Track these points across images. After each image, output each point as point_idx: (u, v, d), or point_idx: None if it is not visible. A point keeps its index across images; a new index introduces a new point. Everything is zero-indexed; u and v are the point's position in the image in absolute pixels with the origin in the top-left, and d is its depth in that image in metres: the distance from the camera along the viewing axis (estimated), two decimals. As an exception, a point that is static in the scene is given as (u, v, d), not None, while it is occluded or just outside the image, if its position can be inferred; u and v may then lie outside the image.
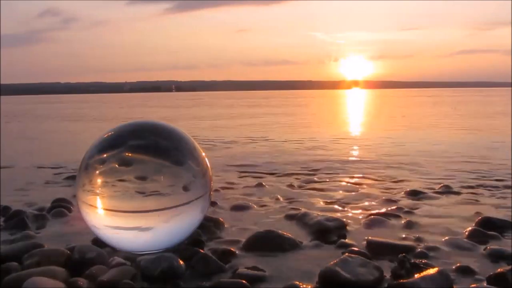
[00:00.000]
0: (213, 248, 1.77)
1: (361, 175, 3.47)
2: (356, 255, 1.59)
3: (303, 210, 2.34)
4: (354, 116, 13.17)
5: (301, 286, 1.43)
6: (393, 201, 2.59)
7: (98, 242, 1.75)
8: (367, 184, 3.13)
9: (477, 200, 2.63)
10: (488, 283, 1.45)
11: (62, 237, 1.99)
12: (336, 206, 2.52)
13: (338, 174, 3.54)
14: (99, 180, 1.61)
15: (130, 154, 1.63)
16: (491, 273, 1.50)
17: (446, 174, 3.47)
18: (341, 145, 5.55)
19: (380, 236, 1.95)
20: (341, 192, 2.90)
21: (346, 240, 1.88)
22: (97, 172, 1.62)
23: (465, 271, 1.55)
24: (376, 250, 1.75)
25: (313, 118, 11.92)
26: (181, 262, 1.57)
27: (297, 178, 3.34)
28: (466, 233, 1.98)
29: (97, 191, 1.61)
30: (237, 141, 6.05)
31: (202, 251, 1.70)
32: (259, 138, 6.39)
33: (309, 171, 3.66)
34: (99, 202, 1.61)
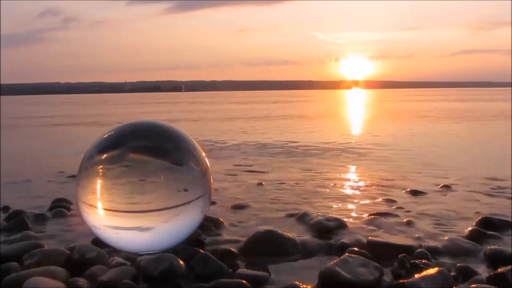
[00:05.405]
0: (213, 248, 1.77)
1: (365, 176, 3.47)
2: (356, 255, 1.58)
3: (303, 210, 2.34)
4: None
5: (301, 286, 1.43)
6: (393, 201, 2.59)
7: (98, 242, 1.75)
8: (368, 184, 3.13)
9: (477, 200, 2.63)
10: (488, 283, 1.45)
11: (62, 237, 1.99)
12: (336, 206, 2.52)
13: (339, 174, 3.54)
14: (99, 180, 1.61)
15: (130, 155, 1.63)
16: (491, 273, 1.50)
17: (446, 174, 3.47)
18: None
19: (380, 236, 1.95)
20: (341, 192, 2.90)
21: (346, 240, 1.88)
22: (97, 172, 1.62)
23: (465, 271, 1.55)
24: (376, 250, 1.75)
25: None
26: (181, 262, 1.56)
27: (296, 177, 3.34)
28: (466, 233, 1.98)
29: (97, 191, 1.61)
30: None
31: (202, 251, 1.69)
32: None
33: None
34: (99, 202, 1.61)
